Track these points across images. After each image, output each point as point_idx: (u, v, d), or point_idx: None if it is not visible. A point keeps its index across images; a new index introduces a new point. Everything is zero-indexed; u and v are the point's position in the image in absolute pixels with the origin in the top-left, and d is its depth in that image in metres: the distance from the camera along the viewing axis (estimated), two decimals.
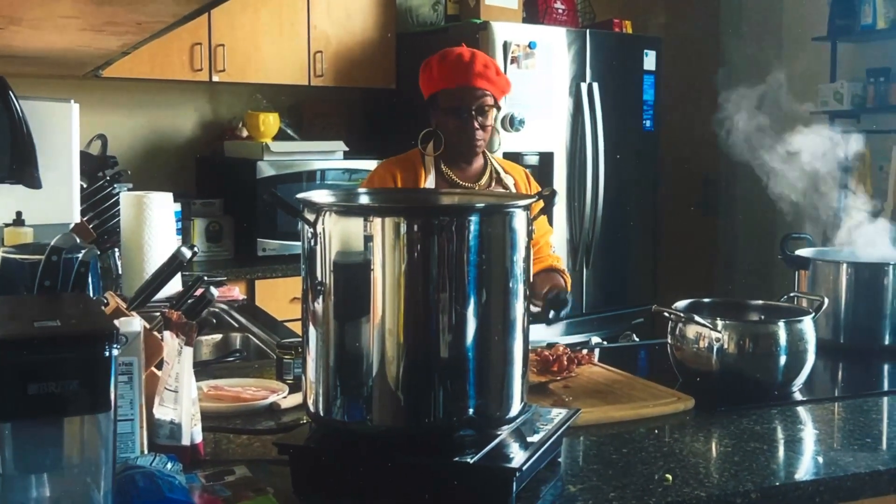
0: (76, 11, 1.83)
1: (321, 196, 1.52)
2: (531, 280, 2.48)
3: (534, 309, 2.52)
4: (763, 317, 2.24)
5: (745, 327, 2.09)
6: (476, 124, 2.66)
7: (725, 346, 2.04)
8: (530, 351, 2.22)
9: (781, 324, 2.06)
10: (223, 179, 4.63)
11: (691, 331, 2.09)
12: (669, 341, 2.17)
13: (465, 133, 2.66)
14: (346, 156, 4.58)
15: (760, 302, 2.29)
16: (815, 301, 2.25)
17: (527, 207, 1.52)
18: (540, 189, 2.86)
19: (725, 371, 2.05)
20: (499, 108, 2.73)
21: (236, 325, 2.86)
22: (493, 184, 2.76)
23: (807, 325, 2.08)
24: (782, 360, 2.04)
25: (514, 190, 2.77)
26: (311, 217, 1.47)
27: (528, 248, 1.53)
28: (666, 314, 2.15)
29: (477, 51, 2.73)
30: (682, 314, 2.13)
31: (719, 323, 2.05)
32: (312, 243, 1.48)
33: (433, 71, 2.68)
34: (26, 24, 1.99)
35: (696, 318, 2.09)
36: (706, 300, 2.25)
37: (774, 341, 2.04)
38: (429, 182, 2.68)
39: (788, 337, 2.05)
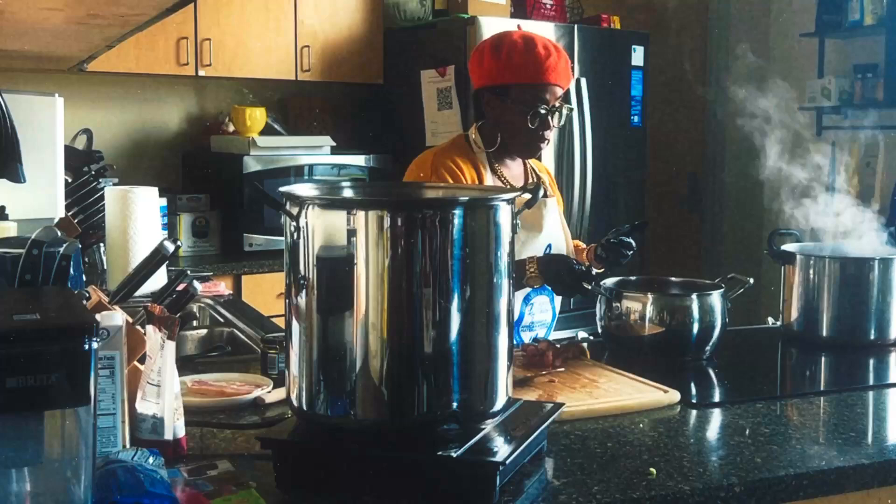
0: (59, 3, 1.82)
1: (304, 189, 1.51)
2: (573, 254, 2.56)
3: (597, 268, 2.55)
4: (680, 292, 2.45)
5: (666, 300, 2.34)
6: (552, 124, 2.50)
7: (650, 316, 2.29)
8: (516, 346, 2.24)
9: (694, 297, 2.31)
10: (209, 174, 4.62)
11: (621, 305, 2.34)
12: (598, 316, 2.40)
13: (538, 134, 2.48)
14: (333, 151, 4.58)
15: (679, 279, 2.53)
16: (743, 281, 2.45)
17: (510, 201, 1.51)
18: (557, 187, 2.86)
19: (649, 338, 2.30)
20: (572, 110, 2.60)
21: (221, 320, 2.85)
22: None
23: (715, 299, 2.31)
24: (695, 328, 2.29)
25: (548, 188, 2.69)
26: (293, 211, 1.46)
27: (512, 243, 1.53)
28: (596, 290, 2.37)
29: (556, 44, 2.53)
30: (611, 290, 2.39)
31: (649, 297, 2.32)
32: (295, 237, 1.47)
33: (512, 59, 2.44)
34: (9, 16, 1.98)
35: (626, 293, 2.36)
36: (632, 278, 2.55)
37: (689, 312, 2.29)
38: (487, 181, 2.51)
39: (700, 309, 2.29)
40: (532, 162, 2.71)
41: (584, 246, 2.75)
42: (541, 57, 2.44)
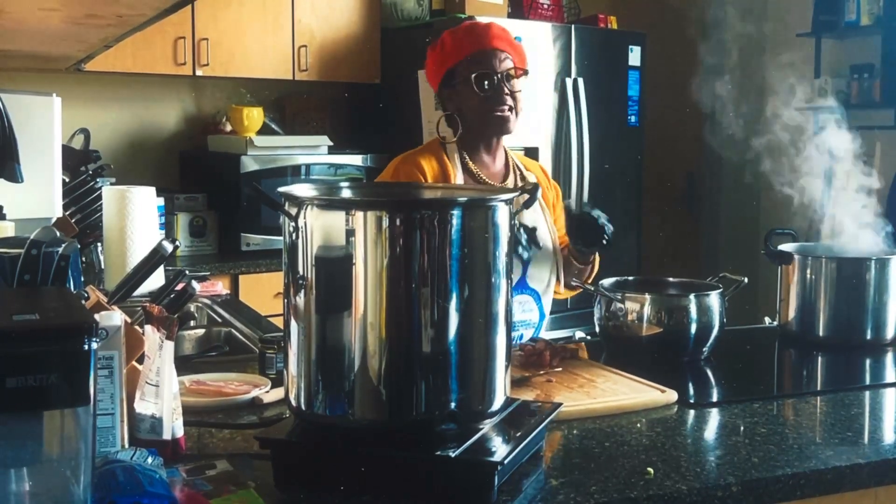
0: (57, 3, 1.82)
1: (302, 189, 1.52)
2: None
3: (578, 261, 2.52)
4: (678, 292, 2.44)
5: (664, 300, 2.34)
6: (506, 90, 2.41)
7: (648, 316, 2.29)
8: (514, 345, 2.25)
9: (692, 297, 2.31)
10: (207, 174, 4.62)
11: (618, 306, 2.33)
12: (599, 315, 2.39)
13: (493, 104, 2.41)
14: (331, 150, 4.58)
15: (677, 279, 2.51)
16: (737, 281, 2.44)
17: (509, 201, 1.52)
18: (557, 185, 2.82)
19: (647, 338, 2.30)
20: (527, 74, 2.48)
21: (219, 319, 2.85)
22: (519, 182, 2.56)
23: (713, 299, 2.31)
24: (693, 328, 2.29)
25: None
26: (292, 211, 1.47)
27: (510, 243, 1.53)
28: (594, 291, 2.40)
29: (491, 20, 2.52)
30: (610, 290, 2.39)
31: (646, 297, 2.32)
32: (294, 237, 1.47)
33: (445, 45, 2.45)
34: (7, 16, 1.98)
35: (627, 293, 2.34)
36: (630, 278, 2.51)
37: (686, 312, 2.29)
38: (458, 180, 2.45)
39: (698, 309, 2.29)
40: (521, 159, 2.66)
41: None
42: (468, 30, 2.45)
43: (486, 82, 2.41)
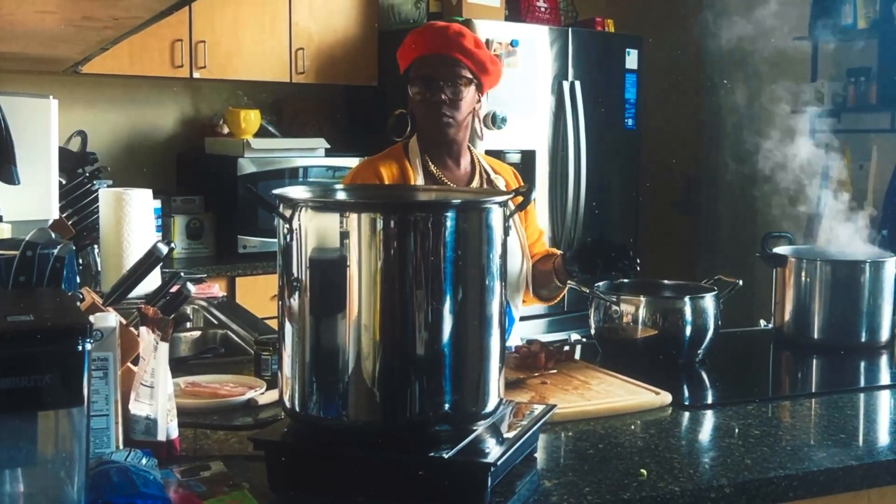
0: (53, 6, 1.83)
1: (297, 192, 1.52)
2: (532, 271, 2.49)
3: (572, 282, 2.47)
4: (673, 295, 2.46)
5: (659, 302, 2.35)
6: (444, 97, 2.39)
7: (643, 319, 2.30)
8: (510, 347, 2.25)
9: (687, 299, 2.31)
10: (204, 176, 4.62)
11: (613, 308, 2.33)
12: (593, 318, 2.40)
13: (431, 108, 2.40)
14: (328, 153, 4.58)
15: (672, 282, 2.52)
16: (731, 283, 2.44)
17: (503, 204, 1.52)
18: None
19: (643, 341, 2.30)
20: (479, 87, 2.45)
21: (216, 321, 2.86)
22: (485, 184, 2.55)
23: (708, 302, 2.32)
24: (688, 330, 2.29)
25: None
26: (287, 213, 1.47)
27: (504, 245, 1.53)
28: (590, 293, 2.40)
29: (457, 23, 2.48)
30: (605, 293, 2.39)
31: (642, 299, 2.32)
32: (288, 239, 1.48)
33: (406, 44, 2.46)
34: (3, 18, 1.98)
35: (622, 296, 2.35)
36: (626, 281, 2.48)
37: (681, 314, 2.29)
38: (419, 183, 2.44)
39: (693, 311, 2.29)
40: (490, 162, 2.64)
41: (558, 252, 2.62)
42: (425, 29, 2.45)
43: (424, 86, 2.42)
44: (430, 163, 2.50)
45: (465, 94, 2.43)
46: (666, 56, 5.45)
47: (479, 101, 2.50)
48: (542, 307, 4.46)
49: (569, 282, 2.40)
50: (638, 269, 2.32)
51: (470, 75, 2.43)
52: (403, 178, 2.46)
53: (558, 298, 2.62)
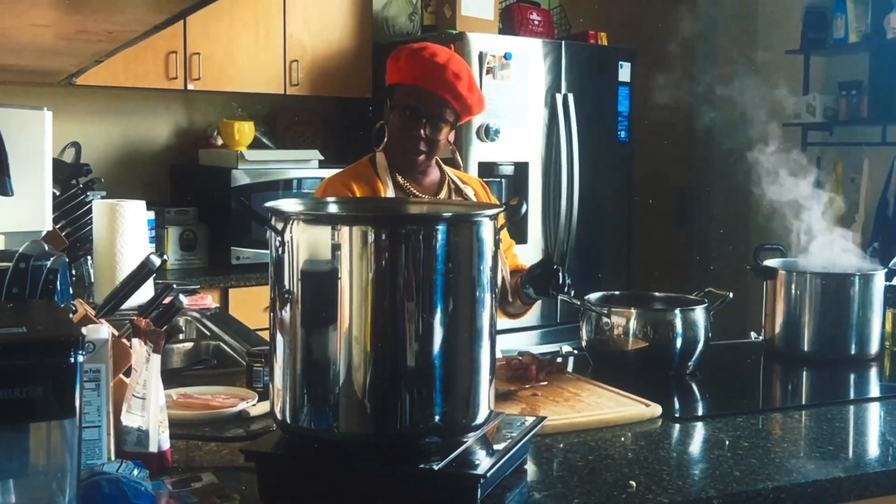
0: (48, 20, 1.84)
1: (289, 204, 1.53)
2: (505, 286, 2.50)
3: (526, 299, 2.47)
4: (663, 307, 2.48)
5: (650, 315, 2.37)
6: (423, 134, 2.44)
7: (634, 331, 2.32)
8: (501, 359, 2.26)
9: (677, 311, 2.33)
10: (198, 188, 4.63)
11: (604, 320, 2.36)
12: (585, 330, 2.42)
13: (408, 139, 2.45)
14: (322, 165, 4.59)
15: (663, 294, 2.55)
16: (722, 296, 2.47)
17: (493, 217, 1.53)
18: (497, 200, 2.81)
19: (633, 353, 2.32)
20: (454, 127, 2.51)
21: (208, 333, 2.86)
22: (453, 196, 2.58)
23: (698, 314, 2.34)
24: (678, 342, 2.31)
25: (474, 200, 2.60)
26: (278, 225, 1.48)
27: (495, 258, 1.55)
28: (581, 305, 2.43)
29: (457, 56, 2.49)
30: (596, 305, 2.41)
31: (632, 311, 2.34)
32: (280, 252, 1.49)
33: (400, 61, 2.46)
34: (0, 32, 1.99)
35: (613, 308, 2.37)
36: (616, 293, 2.53)
37: (672, 327, 2.31)
38: (388, 195, 2.46)
39: (684, 323, 2.31)
40: (457, 174, 2.64)
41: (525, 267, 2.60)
42: (424, 61, 2.42)
43: (407, 117, 2.45)
44: (398, 175, 2.52)
45: (444, 132, 2.47)
46: (658, 69, 5.48)
47: (453, 129, 2.52)
48: (535, 319, 4.50)
49: (560, 295, 2.41)
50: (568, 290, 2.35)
51: (453, 118, 2.47)
52: (374, 193, 2.48)
53: (525, 315, 2.64)
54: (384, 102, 2.54)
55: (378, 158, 2.54)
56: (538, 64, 4.62)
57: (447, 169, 2.64)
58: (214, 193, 4.43)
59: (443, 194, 2.57)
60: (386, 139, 2.53)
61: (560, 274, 2.33)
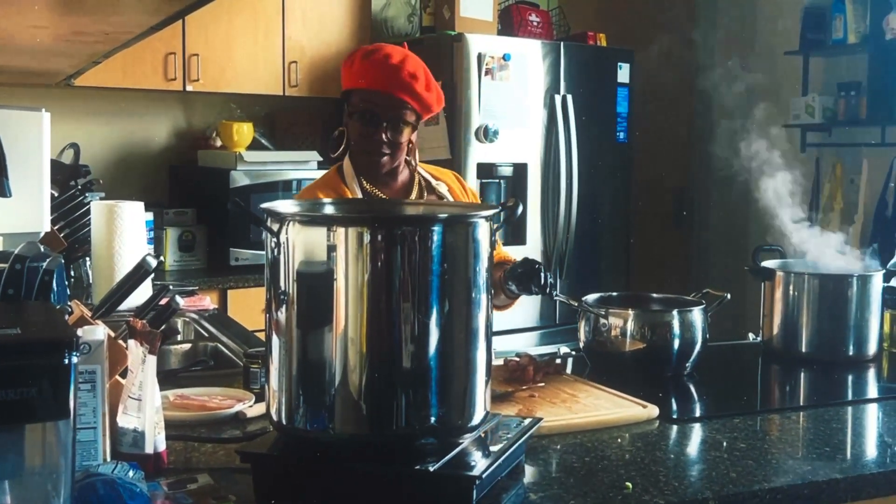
0: (46, 21, 1.84)
1: (285, 206, 1.53)
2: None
3: (509, 294, 2.41)
4: (661, 308, 2.48)
5: (647, 316, 2.36)
6: (384, 138, 2.38)
7: (632, 332, 2.32)
8: (498, 360, 2.26)
9: (675, 312, 2.33)
10: (196, 189, 4.63)
11: (602, 321, 2.36)
12: (583, 331, 2.41)
13: (370, 144, 2.40)
14: (321, 166, 4.59)
15: (661, 295, 2.54)
16: (719, 297, 2.46)
17: (489, 218, 1.53)
18: (474, 190, 2.78)
19: (631, 354, 2.32)
20: (415, 128, 2.45)
21: (206, 334, 2.86)
22: (426, 195, 2.52)
23: (696, 315, 2.34)
24: (676, 343, 2.31)
25: (449, 197, 2.56)
26: (274, 227, 1.48)
27: (490, 259, 1.55)
28: (578, 306, 2.42)
29: (412, 55, 2.41)
30: (594, 306, 2.40)
31: (630, 312, 2.34)
32: (276, 253, 1.49)
33: (355, 65, 2.39)
34: None
35: (610, 309, 2.37)
36: (614, 294, 2.53)
37: (670, 328, 2.31)
38: None
39: (681, 325, 2.31)
40: (429, 169, 2.61)
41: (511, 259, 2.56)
42: (378, 63, 2.36)
43: (365, 122, 2.40)
44: (364, 182, 2.48)
45: (406, 133, 2.43)
46: (657, 70, 5.48)
47: (415, 130, 2.48)
48: (533, 320, 4.50)
49: (556, 295, 2.41)
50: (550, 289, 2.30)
51: (414, 118, 2.42)
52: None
53: (510, 307, 2.58)
54: (344, 108, 2.48)
55: (345, 166, 2.51)
56: (537, 65, 4.62)
57: (421, 167, 2.59)
58: (213, 194, 4.43)
59: (413, 194, 2.52)
60: (344, 146, 2.49)
61: (542, 273, 2.29)
